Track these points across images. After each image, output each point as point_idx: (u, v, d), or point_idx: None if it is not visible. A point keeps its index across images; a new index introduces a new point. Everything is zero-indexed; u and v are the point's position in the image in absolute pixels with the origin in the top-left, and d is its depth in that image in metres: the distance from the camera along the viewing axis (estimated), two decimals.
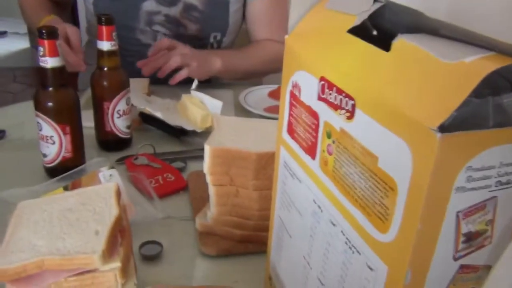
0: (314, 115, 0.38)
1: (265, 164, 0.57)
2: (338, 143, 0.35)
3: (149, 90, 1.05)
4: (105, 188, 0.51)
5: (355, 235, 0.34)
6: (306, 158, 0.40)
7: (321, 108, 0.37)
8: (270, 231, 0.51)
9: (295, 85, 0.41)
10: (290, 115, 0.43)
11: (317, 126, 0.38)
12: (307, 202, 0.41)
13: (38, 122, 0.70)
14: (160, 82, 1.02)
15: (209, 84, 1.16)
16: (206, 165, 0.59)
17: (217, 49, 1.23)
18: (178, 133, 0.88)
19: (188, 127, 0.87)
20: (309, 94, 0.39)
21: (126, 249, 0.47)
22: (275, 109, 1.04)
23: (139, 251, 0.59)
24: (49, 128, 0.69)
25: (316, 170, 0.39)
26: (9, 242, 0.45)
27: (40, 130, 0.70)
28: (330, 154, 0.36)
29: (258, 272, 0.56)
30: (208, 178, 0.59)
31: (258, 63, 1.19)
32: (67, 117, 0.70)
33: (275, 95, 1.12)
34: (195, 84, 1.02)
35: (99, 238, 0.44)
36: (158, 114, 0.85)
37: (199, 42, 1.18)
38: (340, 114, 0.34)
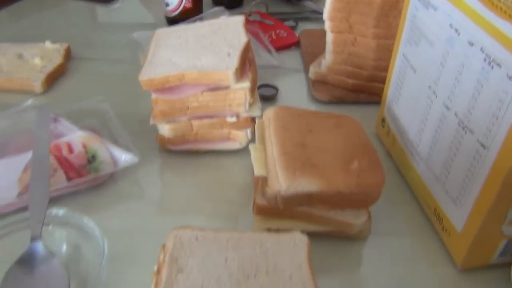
0: None
1: (387, 11, 0.56)
2: None
3: None
4: (234, 20, 0.53)
5: (498, 49, 0.33)
6: None
7: None
8: (390, 73, 0.52)
9: None
10: None
11: None
12: (441, 30, 0.40)
13: None
14: None
15: None
16: (326, 10, 0.59)
17: None
18: None
19: None
20: None
21: (254, 75, 0.50)
22: None
23: (258, 91, 0.62)
24: None
25: None
26: (152, 60, 0.50)
27: None
28: None
29: (368, 119, 0.57)
30: (327, 25, 0.60)
31: None
32: None
33: None
34: None
35: (231, 58, 0.48)
36: None
37: None
38: None
